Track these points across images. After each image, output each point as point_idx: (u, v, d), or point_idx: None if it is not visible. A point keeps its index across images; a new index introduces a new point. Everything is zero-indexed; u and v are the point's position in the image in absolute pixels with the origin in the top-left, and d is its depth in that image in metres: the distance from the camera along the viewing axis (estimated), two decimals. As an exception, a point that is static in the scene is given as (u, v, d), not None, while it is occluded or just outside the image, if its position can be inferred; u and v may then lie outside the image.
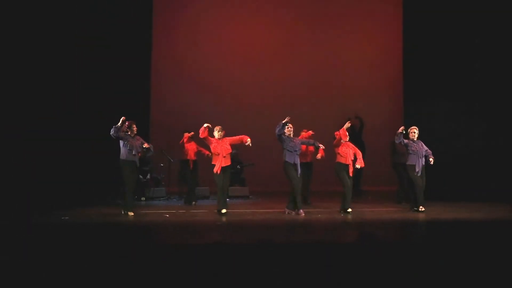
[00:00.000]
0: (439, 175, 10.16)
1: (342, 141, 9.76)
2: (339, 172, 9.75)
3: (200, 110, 14.66)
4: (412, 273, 4.97)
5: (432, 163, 9.77)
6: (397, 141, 9.86)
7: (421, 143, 9.95)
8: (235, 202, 11.75)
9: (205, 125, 9.55)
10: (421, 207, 9.76)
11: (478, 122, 12.32)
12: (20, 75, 10.11)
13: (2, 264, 4.99)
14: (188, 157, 11.38)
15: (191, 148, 11.40)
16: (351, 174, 9.77)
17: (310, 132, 10.82)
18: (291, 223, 8.78)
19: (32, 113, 10.51)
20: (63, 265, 4.99)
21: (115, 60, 12.39)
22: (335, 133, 9.96)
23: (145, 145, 9.56)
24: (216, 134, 9.72)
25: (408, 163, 9.91)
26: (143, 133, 11.72)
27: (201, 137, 9.61)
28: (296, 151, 9.57)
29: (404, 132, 9.82)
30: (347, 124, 9.92)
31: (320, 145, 9.75)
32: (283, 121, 9.51)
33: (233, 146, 12.78)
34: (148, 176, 12.38)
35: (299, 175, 9.56)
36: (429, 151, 9.92)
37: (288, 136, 9.64)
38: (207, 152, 11.45)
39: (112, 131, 9.27)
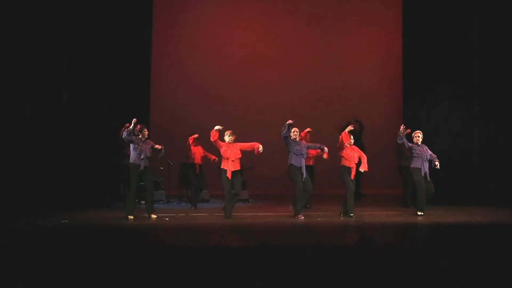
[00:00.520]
0: (438, 177, 10.13)
1: (346, 144, 9.75)
2: (343, 175, 9.74)
3: (200, 113, 14.68)
4: (412, 276, 4.96)
5: (438, 167, 9.75)
6: (399, 142, 9.83)
7: (425, 147, 9.93)
8: (235, 205, 11.72)
9: (216, 127, 9.51)
10: (420, 212, 9.74)
11: (477, 124, 12.31)
12: (19, 75, 10.09)
13: (1, 265, 4.99)
14: (196, 161, 11.37)
15: (197, 151, 11.39)
16: (352, 177, 9.76)
17: (307, 129, 10.72)
18: (290, 226, 8.77)
19: (31, 113, 10.48)
20: (62, 268, 4.98)
21: (115, 62, 12.38)
22: (340, 136, 9.96)
23: (157, 146, 9.64)
24: (227, 138, 9.68)
25: (412, 166, 9.89)
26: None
27: (212, 140, 9.56)
28: (302, 154, 9.54)
29: (406, 132, 9.79)
30: (349, 128, 9.92)
31: (325, 148, 9.70)
32: (287, 123, 9.47)
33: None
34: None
35: (304, 179, 9.53)
36: (433, 155, 9.88)
37: (294, 139, 9.61)
38: (213, 157, 11.47)
39: (124, 134, 9.44)
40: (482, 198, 11.29)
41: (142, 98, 13.69)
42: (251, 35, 15.54)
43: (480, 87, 12.34)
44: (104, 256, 5.39)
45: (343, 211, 9.76)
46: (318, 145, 9.88)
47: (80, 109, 11.50)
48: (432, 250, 5.86)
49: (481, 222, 8.92)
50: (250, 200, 12.68)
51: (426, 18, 13.00)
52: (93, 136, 11.61)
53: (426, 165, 9.80)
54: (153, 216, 9.58)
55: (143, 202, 11.90)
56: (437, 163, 9.76)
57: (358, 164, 9.77)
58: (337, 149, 9.87)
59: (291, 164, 9.52)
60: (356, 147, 9.95)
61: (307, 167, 10.13)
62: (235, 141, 9.71)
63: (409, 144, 9.87)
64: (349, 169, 9.72)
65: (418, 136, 9.95)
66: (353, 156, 9.73)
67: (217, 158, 11.70)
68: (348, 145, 9.78)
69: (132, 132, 9.41)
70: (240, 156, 9.69)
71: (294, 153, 9.52)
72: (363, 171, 9.80)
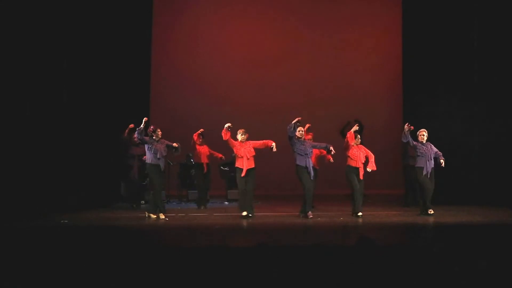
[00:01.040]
0: (438, 177, 10.13)
1: (353, 143, 9.74)
2: (348, 175, 9.74)
3: (200, 113, 14.66)
4: (411, 276, 4.95)
5: (443, 165, 9.73)
6: (404, 140, 9.80)
7: (430, 145, 9.91)
8: (235, 205, 11.73)
9: (226, 125, 9.51)
10: (430, 210, 9.72)
11: (477, 124, 12.30)
12: (18, 74, 10.08)
13: (1, 266, 4.99)
14: (202, 160, 11.36)
15: (203, 151, 11.38)
16: (361, 177, 9.74)
17: (307, 125, 10.67)
18: (290, 226, 8.76)
19: (31, 113, 10.48)
20: (62, 268, 4.98)
21: (115, 62, 12.38)
22: (346, 137, 9.96)
23: (174, 144, 9.75)
24: (239, 137, 9.70)
25: (416, 165, 9.88)
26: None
27: (224, 139, 9.56)
28: (307, 154, 9.51)
29: (410, 129, 9.76)
30: (355, 127, 9.90)
31: (331, 147, 9.67)
32: (294, 121, 9.44)
33: (230, 149, 12.85)
34: (148, 179, 12.33)
35: (312, 178, 9.52)
36: (439, 152, 9.85)
37: (299, 139, 9.59)
38: (220, 155, 11.48)
39: (136, 134, 9.54)
40: (482, 198, 11.27)
41: (141, 98, 13.67)
42: (251, 35, 15.53)
43: (480, 87, 12.32)
44: (104, 256, 5.39)
45: (354, 212, 9.73)
46: (324, 144, 9.82)
47: (80, 109, 11.49)
48: (432, 250, 5.84)
49: (481, 222, 8.92)
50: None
51: (426, 18, 12.99)
52: (93, 136, 11.59)
53: (430, 164, 9.78)
54: (162, 216, 9.59)
55: (143, 202, 11.93)
56: (442, 161, 9.74)
57: (366, 163, 9.76)
58: (343, 149, 9.85)
59: (297, 165, 9.50)
60: (363, 147, 9.94)
61: None
62: (248, 139, 9.72)
63: (414, 142, 9.84)
64: (355, 169, 9.71)
65: (423, 135, 9.90)
66: (360, 156, 9.72)
67: (223, 156, 11.74)
68: (354, 145, 9.77)
69: (143, 132, 9.49)
70: (254, 154, 9.69)
71: (298, 153, 9.50)
72: (370, 170, 9.77)
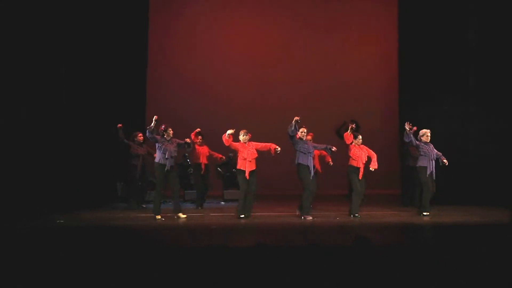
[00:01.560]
0: (436, 178, 10.15)
1: (350, 143, 9.73)
2: (350, 175, 9.74)
3: (197, 113, 14.64)
4: (410, 276, 4.95)
5: (446, 164, 9.74)
6: (406, 140, 9.78)
7: (431, 146, 9.94)
8: (231, 206, 11.72)
9: (229, 132, 9.43)
10: (426, 212, 9.73)
11: (474, 126, 12.32)
12: (15, 74, 10.03)
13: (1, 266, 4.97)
14: (201, 161, 11.34)
15: (203, 151, 11.36)
16: (360, 177, 9.73)
17: (310, 135, 10.67)
18: (286, 226, 8.75)
19: (27, 113, 10.43)
20: (62, 268, 4.96)
21: (111, 62, 12.35)
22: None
23: (187, 140, 9.81)
24: (242, 137, 9.62)
25: (418, 165, 9.88)
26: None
27: (226, 145, 9.51)
28: (309, 152, 9.50)
29: (413, 130, 9.76)
30: (350, 127, 9.85)
31: (333, 148, 9.66)
32: (294, 120, 9.37)
33: (229, 149, 12.83)
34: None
35: (311, 177, 9.50)
36: (439, 153, 9.89)
37: (301, 139, 9.55)
38: (219, 156, 11.47)
39: (147, 133, 9.50)
40: (480, 198, 11.29)
41: (138, 98, 13.65)
42: (248, 35, 15.52)
43: (476, 88, 12.35)
44: (104, 256, 5.37)
45: (352, 212, 9.73)
46: (323, 146, 9.80)
47: (77, 109, 11.45)
48: (430, 251, 5.85)
49: (479, 222, 8.94)
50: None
51: (422, 18, 13.00)
52: (89, 136, 11.56)
53: (433, 164, 9.79)
54: (182, 215, 9.58)
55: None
56: (445, 160, 9.75)
57: (368, 162, 9.76)
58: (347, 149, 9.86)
59: (299, 163, 9.46)
60: (365, 147, 9.93)
61: None
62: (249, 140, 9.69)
63: (416, 142, 9.84)
64: (356, 169, 9.70)
65: (428, 136, 9.93)
66: (361, 156, 9.72)
67: (224, 157, 11.73)
68: (356, 145, 9.77)
69: (154, 131, 9.47)
70: (257, 155, 9.65)
71: (302, 152, 9.47)
72: (373, 169, 9.78)
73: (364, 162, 9.75)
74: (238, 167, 9.57)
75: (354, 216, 9.60)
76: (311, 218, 9.39)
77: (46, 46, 10.67)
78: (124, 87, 12.71)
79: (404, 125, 9.95)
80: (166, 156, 9.48)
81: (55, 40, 10.95)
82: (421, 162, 9.83)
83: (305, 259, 5.22)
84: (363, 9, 15.67)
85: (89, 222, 8.99)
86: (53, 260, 5.21)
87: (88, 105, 11.71)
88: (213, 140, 11.47)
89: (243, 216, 9.45)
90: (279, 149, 9.50)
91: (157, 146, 9.63)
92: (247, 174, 9.44)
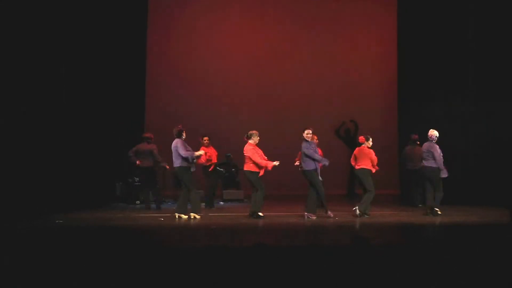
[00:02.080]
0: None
1: (365, 144, 9.88)
2: (368, 176, 9.79)
3: (195, 113, 14.63)
4: (409, 276, 4.96)
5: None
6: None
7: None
8: (230, 206, 11.73)
9: (275, 164, 9.47)
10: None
11: (473, 126, 12.34)
12: (15, 74, 10.02)
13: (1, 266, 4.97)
14: (212, 162, 11.34)
15: (212, 152, 11.32)
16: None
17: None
18: (285, 226, 8.75)
19: (28, 113, 10.42)
20: (62, 268, 4.95)
21: (110, 62, 12.35)
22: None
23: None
24: (256, 139, 9.63)
25: (436, 166, 9.91)
26: (138, 136, 11.72)
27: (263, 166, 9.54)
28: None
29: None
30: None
31: (323, 164, 9.65)
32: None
33: (228, 149, 12.85)
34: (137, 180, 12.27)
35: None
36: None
37: (306, 140, 9.55)
38: (215, 161, 11.46)
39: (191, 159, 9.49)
40: (480, 198, 11.31)
41: (137, 98, 13.66)
42: (247, 35, 15.50)
43: (475, 88, 12.37)
44: (103, 256, 5.37)
45: (364, 211, 9.79)
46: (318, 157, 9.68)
47: (76, 109, 11.45)
48: (430, 251, 5.85)
49: (478, 222, 8.95)
50: (245, 200, 12.69)
51: (421, 19, 13.04)
52: (89, 136, 11.56)
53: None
54: (197, 216, 9.52)
55: (137, 202, 11.92)
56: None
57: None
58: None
59: (310, 170, 9.53)
60: (365, 149, 9.95)
61: None
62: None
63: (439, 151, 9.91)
64: (369, 171, 9.81)
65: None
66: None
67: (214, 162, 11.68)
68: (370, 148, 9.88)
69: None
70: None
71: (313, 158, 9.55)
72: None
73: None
74: (252, 169, 9.52)
75: (365, 215, 9.59)
76: (314, 217, 9.43)
77: (46, 46, 10.66)
78: (123, 87, 12.72)
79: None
80: (190, 160, 9.46)
81: (55, 40, 10.94)
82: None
83: (305, 259, 5.22)
84: (363, 10, 15.66)
85: (89, 222, 8.98)
86: (53, 260, 5.21)
87: (87, 105, 11.71)
88: (212, 139, 11.47)
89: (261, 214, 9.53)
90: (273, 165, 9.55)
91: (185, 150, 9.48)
92: (262, 172, 9.56)
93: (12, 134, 9.80)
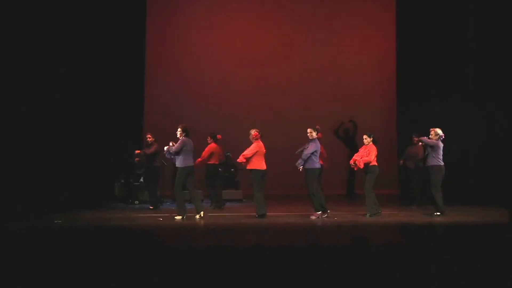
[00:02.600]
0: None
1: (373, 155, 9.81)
2: (374, 175, 9.76)
3: (194, 113, 14.62)
4: (408, 276, 4.95)
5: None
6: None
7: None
8: (229, 206, 11.72)
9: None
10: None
11: (471, 126, 12.34)
12: (14, 73, 10.01)
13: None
14: (219, 161, 11.32)
15: (219, 151, 11.30)
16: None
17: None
18: (285, 226, 8.74)
19: (27, 113, 10.42)
20: (62, 268, 4.95)
21: (110, 62, 12.34)
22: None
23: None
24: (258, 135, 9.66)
25: (438, 164, 9.86)
26: (137, 136, 11.72)
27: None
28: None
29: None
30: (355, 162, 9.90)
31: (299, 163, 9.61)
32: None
33: (227, 149, 12.83)
34: (141, 180, 12.28)
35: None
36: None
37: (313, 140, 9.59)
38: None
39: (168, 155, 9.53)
40: (479, 198, 11.31)
41: (136, 98, 13.64)
42: (245, 37, 15.49)
43: (475, 88, 12.37)
44: (103, 256, 5.36)
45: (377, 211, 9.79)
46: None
47: (76, 109, 11.44)
48: (430, 250, 5.85)
49: (478, 222, 8.94)
50: (244, 200, 12.67)
51: (420, 19, 13.03)
52: (88, 136, 11.55)
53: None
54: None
55: (137, 202, 11.91)
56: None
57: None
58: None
59: (316, 168, 9.59)
60: (364, 148, 9.94)
61: None
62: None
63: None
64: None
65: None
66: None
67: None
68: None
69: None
70: None
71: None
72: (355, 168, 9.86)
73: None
74: (256, 167, 9.50)
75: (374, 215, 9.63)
76: (314, 218, 9.47)
77: (45, 46, 10.66)
78: (122, 87, 12.70)
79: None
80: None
81: (55, 40, 10.94)
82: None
83: (304, 259, 5.22)
84: (362, 10, 15.66)
85: (88, 222, 8.97)
86: (52, 260, 5.20)
87: (87, 105, 11.70)
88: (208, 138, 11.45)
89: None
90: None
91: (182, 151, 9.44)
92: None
93: (12, 134, 9.80)
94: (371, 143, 9.89)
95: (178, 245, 6.94)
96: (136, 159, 11.50)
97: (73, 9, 11.40)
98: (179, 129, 9.48)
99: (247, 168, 9.56)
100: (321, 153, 9.98)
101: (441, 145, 9.84)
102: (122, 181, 12.19)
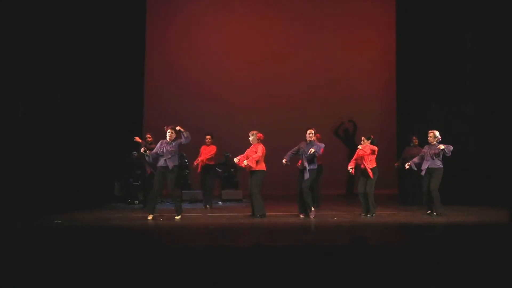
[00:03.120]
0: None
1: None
2: (375, 176, 9.76)
3: (194, 113, 14.63)
4: (408, 276, 4.96)
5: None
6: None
7: (427, 146, 10.00)
8: (229, 206, 11.73)
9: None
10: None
11: (471, 126, 12.33)
12: (13, 74, 10.01)
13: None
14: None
15: (208, 151, 11.29)
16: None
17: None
18: (285, 226, 8.75)
19: (24, 114, 10.41)
20: (62, 268, 4.95)
21: (109, 61, 12.34)
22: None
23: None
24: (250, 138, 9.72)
25: (440, 166, 9.86)
26: (137, 136, 11.69)
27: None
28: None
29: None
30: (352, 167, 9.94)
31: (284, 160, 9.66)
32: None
33: (226, 149, 12.85)
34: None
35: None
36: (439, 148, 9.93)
37: (311, 142, 9.62)
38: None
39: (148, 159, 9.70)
40: (479, 198, 11.31)
41: (136, 98, 13.63)
42: (245, 37, 15.51)
43: (474, 89, 12.36)
44: (103, 256, 5.36)
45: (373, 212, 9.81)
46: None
47: (75, 110, 11.44)
48: (430, 251, 5.85)
49: (478, 222, 8.95)
50: (243, 200, 12.67)
51: (420, 20, 13.02)
52: (88, 136, 11.54)
53: (427, 164, 9.83)
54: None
55: (136, 202, 11.91)
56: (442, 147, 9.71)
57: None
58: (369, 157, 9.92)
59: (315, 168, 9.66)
60: (363, 148, 9.94)
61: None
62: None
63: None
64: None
65: (430, 136, 9.94)
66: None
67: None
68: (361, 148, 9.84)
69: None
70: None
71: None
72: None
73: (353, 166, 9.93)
74: (261, 168, 9.55)
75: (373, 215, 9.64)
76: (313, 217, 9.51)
77: (45, 46, 10.65)
78: (122, 87, 12.70)
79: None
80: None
81: (54, 40, 10.93)
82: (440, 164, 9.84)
83: (304, 259, 5.22)
84: (362, 10, 15.67)
85: (88, 222, 8.97)
86: (52, 260, 5.20)
87: (86, 105, 11.70)
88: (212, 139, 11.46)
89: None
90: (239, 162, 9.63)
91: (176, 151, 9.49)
92: None
93: (11, 134, 9.80)
94: (367, 144, 9.88)
95: (177, 245, 6.94)
96: (134, 154, 11.47)
97: (73, 8, 11.38)
98: (171, 131, 9.49)
99: (256, 169, 9.57)
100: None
101: None
102: (126, 181, 12.19)
